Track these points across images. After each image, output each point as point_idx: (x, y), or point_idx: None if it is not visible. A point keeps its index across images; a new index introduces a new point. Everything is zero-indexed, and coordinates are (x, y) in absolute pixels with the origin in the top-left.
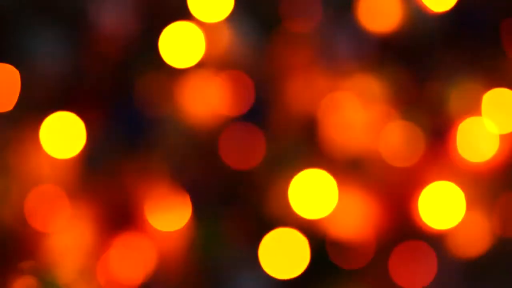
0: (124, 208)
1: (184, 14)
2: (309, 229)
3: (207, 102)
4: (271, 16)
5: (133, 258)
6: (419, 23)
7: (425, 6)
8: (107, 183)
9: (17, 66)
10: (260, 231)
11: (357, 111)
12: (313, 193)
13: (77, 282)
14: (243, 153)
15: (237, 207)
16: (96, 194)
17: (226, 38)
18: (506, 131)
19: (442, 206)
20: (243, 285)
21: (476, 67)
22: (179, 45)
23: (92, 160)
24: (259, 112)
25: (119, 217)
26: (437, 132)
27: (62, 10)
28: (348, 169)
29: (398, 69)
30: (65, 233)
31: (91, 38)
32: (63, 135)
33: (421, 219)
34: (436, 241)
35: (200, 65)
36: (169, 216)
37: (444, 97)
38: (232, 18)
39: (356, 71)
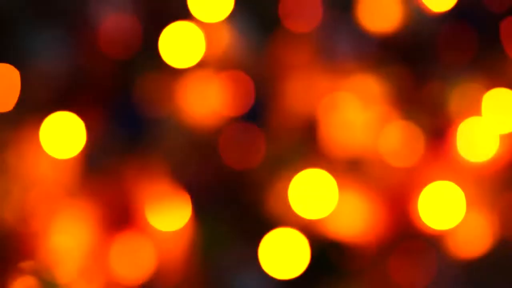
0: (124, 208)
1: (184, 14)
2: (309, 229)
3: (207, 102)
4: (271, 16)
5: (133, 258)
6: (419, 23)
7: (425, 6)
8: (107, 183)
9: (17, 66)
10: (260, 231)
11: (357, 111)
12: (313, 193)
13: (77, 282)
14: (243, 153)
15: (237, 207)
16: (96, 194)
17: (226, 38)
18: (506, 131)
19: (442, 206)
20: (243, 285)
21: (476, 67)
22: (179, 45)
23: (92, 160)
24: (259, 112)
25: (119, 217)
26: (437, 132)
27: (62, 10)
28: (348, 169)
29: (398, 69)
30: (65, 233)
31: (91, 38)
32: (63, 135)
33: (421, 219)
34: (436, 241)
35: (200, 65)
36: (169, 216)
37: (444, 97)
38: (232, 18)
39: (356, 71)
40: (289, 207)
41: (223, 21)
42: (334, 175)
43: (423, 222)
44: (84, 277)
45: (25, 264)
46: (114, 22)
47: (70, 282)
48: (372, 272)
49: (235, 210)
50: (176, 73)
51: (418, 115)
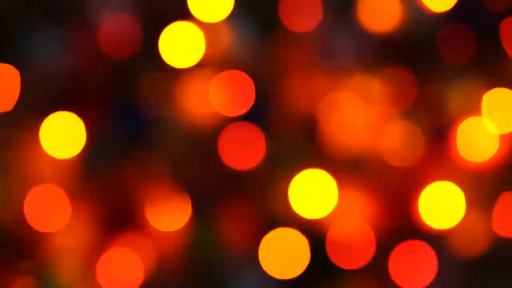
0: (124, 208)
1: (184, 14)
2: (309, 229)
3: (207, 102)
4: (271, 16)
5: (133, 258)
6: (419, 23)
7: (425, 6)
8: (107, 183)
9: (17, 66)
10: (260, 231)
11: (357, 111)
12: (313, 193)
13: (77, 282)
14: (243, 153)
15: (237, 207)
16: (96, 194)
17: (226, 38)
18: (506, 131)
19: (442, 206)
20: (243, 285)
21: (476, 67)
22: (179, 45)
23: (92, 160)
24: (259, 112)
25: (119, 217)
26: (437, 132)
27: (62, 10)
28: (348, 169)
29: (398, 69)
30: (65, 233)
31: (91, 38)
32: (63, 135)
33: (421, 219)
34: (436, 241)
35: (200, 65)
36: (169, 216)
37: (444, 97)
38: (232, 18)
39: (356, 71)
40: (289, 207)
41: (223, 21)
42: (334, 175)
43: (423, 222)
44: (84, 277)
45: (25, 264)
46: (114, 22)
47: (70, 282)
48: (372, 272)
49: (235, 210)
50: (176, 73)
51: (418, 115)
